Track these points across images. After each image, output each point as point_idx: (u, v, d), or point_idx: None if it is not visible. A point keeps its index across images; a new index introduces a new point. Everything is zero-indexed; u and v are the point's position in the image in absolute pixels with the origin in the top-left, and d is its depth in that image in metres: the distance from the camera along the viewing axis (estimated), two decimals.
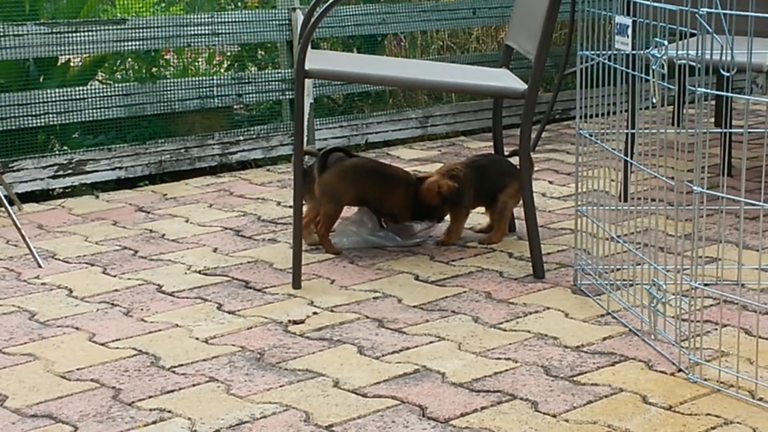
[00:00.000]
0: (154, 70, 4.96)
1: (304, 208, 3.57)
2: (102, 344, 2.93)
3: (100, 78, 5.00)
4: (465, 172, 3.71)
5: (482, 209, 3.81)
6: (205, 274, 3.48)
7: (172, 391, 2.63)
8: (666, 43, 2.72)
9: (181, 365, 2.78)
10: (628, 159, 3.50)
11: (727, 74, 2.51)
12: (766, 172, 4.43)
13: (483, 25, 5.91)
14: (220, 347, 2.89)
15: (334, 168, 3.61)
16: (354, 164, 3.67)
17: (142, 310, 3.18)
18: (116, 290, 3.35)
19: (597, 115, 3.18)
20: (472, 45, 6.02)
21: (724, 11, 2.51)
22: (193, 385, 2.66)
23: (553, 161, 4.97)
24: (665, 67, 2.72)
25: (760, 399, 2.52)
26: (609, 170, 3.77)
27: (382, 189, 3.66)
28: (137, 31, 4.68)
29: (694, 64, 2.63)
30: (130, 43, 4.70)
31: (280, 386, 2.65)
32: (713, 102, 5.04)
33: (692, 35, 2.64)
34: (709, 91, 2.60)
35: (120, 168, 4.66)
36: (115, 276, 3.48)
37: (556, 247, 3.69)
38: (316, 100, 5.19)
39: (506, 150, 3.88)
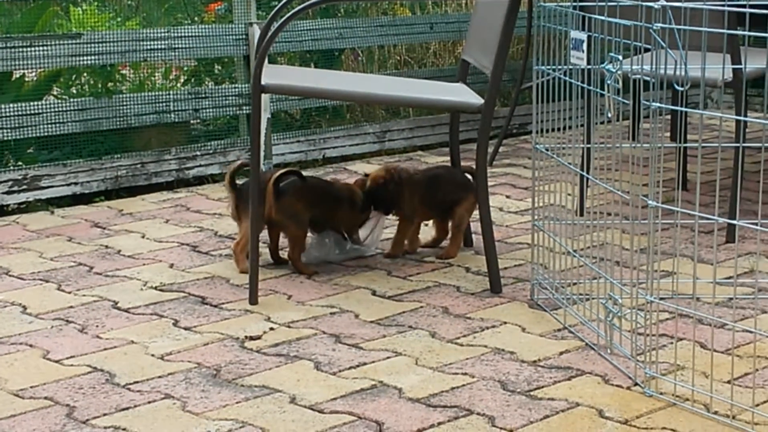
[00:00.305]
0: (110, 84, 4.93)
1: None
2: (56, 362, 2.90)
3: (55, 93, 4.97)
4: (414, 176, 3.72)
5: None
6: (161, 290, 3.46)
7: (127, 408, 2.61)
8: (621, 58, 2.73)
9: (137, 382, 2.76)
10: (584, 173, 3.51)
11: (681, 89, 2.53)
12: (721, 186, 4.46)
13: (440, 39, 5.93)
14: (176, 364, 2.87)
15: (291, 190, 3.58)
16: (309, 185, 3.65)
17: (97, 326, 3.15)
18: (71, 307, 3.32)
19: (553, 130, 3.19)
20: (430, 60, 6.03)
21: (678, 26, 2.53)
22: (149, 402, 2.64)
23: (510, 176, 4.99)
24: (620, 82, 2.74)
25: (716, 412, 2.53)
26: (565, 185, 3.78)
27: (333, 208, 3.66)
28: (93, 45, 4.65)
29: (648, 78, 2.65)
30: (85, 58, 4.67)
31: (237, 403, 2.63)
32: (669, 117, 5.08)
33: (647, 50, 2.66)
34: (663, 105, 2.61)
35: (75, 183, 4.63)
36: (70, 292, 3.45)
37: (513, 262, 3.69)
38: (273, 115, 5.18)
39: (463, 165, 3.89)
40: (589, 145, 4.02)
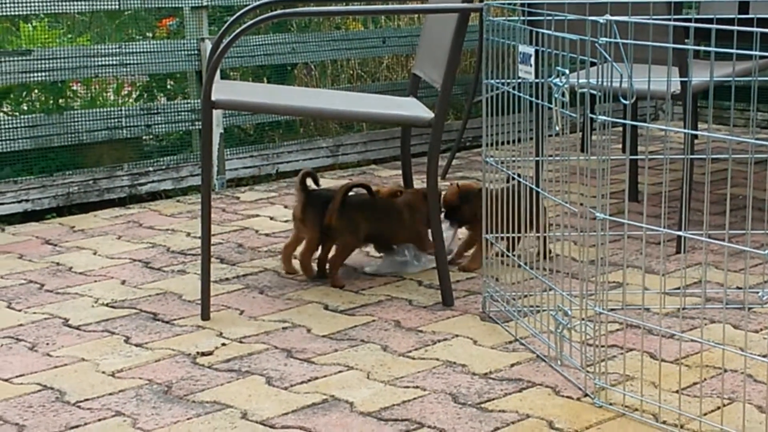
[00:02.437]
0: (61, 101, 4.91)
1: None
2: (6, 380, 2.88)
3: (5, 109, 4.94)
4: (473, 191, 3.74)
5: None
6: (112, 307, 3.44)
7: (77, 426, 2.60)
8: (567, 71, 2.75)
9: (87, 400, 2.75)
10: (533, 186, 3.53)
11: (626, 102, 2.55)
12: (671, 197, 4.50)
13: (393, 53, 5.95)
14: (126, 381, 2.86)
15: (356, 202, 3.60)
16: (375, 201, 3.67)
17: (47, 344, 3.14)
18: (21, 325, 3.30)
19: (505, 143, 3.21)
20: (383, 74, 6.05)
21: (624, 41, 2.56)
22: (99, 420, 2.63)
23: None
24: (567, 96, 2.76)
25: (664, 422, 2.55)
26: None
27: (396, 225, 3.68)
28: (43, 61, 4.63)
29: (595, 92, 2.67)
30: (36, 74, 4.65)
31: (188, 419, 2.63)
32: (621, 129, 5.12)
33: (594, 64, 2.68)
34: (609, 119, 2.64)
35: (26, 200, 4.60)
36: (20, 310, 3.42)
37: (465, 275, 3.71)
38: (226, 130, 5.17)
39: (415, 179, 3.90)
40: (539, 158, 4.05)
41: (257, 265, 3.85)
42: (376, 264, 3.78)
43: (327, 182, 5.18)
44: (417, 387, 2.79)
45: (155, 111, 4.99)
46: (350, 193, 3.59)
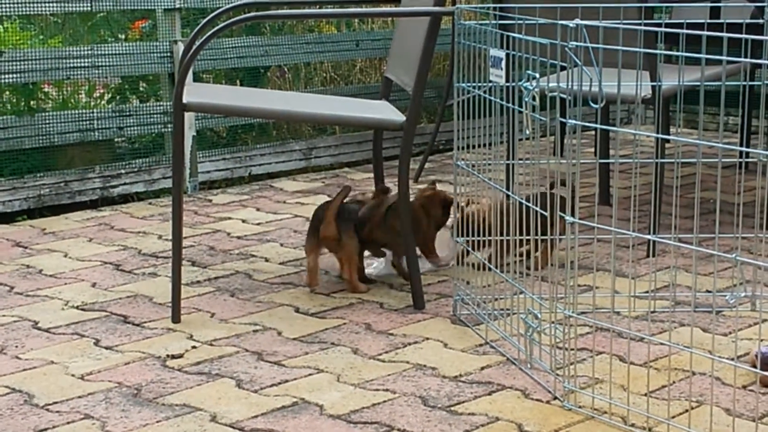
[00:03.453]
0: (32, 102, 4.89)
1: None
2: None
3: None
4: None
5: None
6: (82, 310, 3.43)
7: (46, 429, 2.59)
8: (538, 75, 2.76)
9: (56, 402, 2.73)
10: (504, 190, 3.54)
11: (596, 106, 2.56)
12: (642, 201, 4.52)
13: (366, 57, 5.95)
14: (96, 383, 2.85)
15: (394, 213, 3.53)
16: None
17: (16, 347, 3.12)
18: None
19: (477, 146, 3.21)
20: (356, 77, 6.05)
21: (593, 45, 2.57)
22: (67, 423, 2.62)
23: None
24: (537, 99, 2.77)
25: (632, 425, 2.56)
26: (488, 200, 3.81)
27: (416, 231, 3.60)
28: (14, 63, 4.61)
29: (565, 96, 2.68)
30: (7, 76, 4.63)
31: (157, 422, 2.62)
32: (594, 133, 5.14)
33: (564, 68, 2.69)
34: (579, 123, 2.65)
35: None
36: None
37: (436, 278, 3.71)
38: (198, 132, 5.16)
39: (387, 182, 3.90)
40: (510, 162, 4.07)
41: (228, 268, 3.85)
42: (380, 266, 3.75)
43: (299, 185, 5.18)
44: (387, 390, 2.79)
45: (127, 113, 4.98)
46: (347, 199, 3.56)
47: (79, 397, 2.77)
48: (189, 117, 4.98)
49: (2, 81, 4.66)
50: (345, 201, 3.56)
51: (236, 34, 5.44)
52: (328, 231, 3.47)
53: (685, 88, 3.00)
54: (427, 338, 3.16)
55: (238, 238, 4.26)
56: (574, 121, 2.65)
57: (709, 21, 3.08)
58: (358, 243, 3.53)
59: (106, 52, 4.89)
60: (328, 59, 5.80)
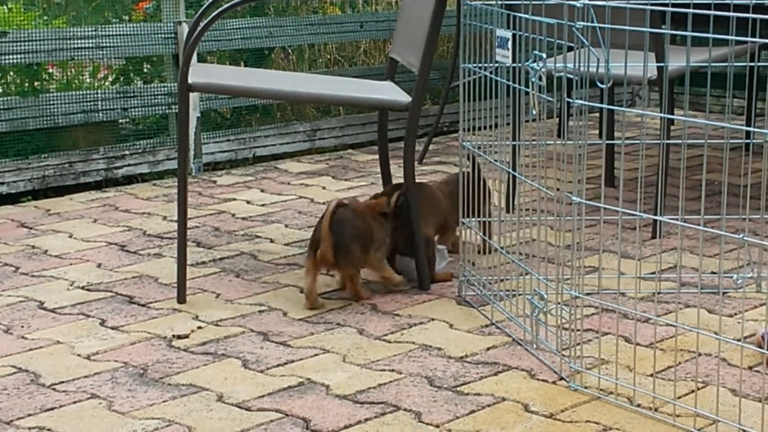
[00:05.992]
0: (36, 83, 4.88)
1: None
2: None
3: None
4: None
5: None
6: (88, 290, 3.43)
7: (52, 408, 2.59)
8: (545, 56, 2.76)
9: (62, 382, 2.74)
10: (510, 171, 3.54)
11: (603, 86, 2.56)
12: (647, 182, 4.51)
13: (370, 38, 5.94)
14: (102, 363, 2.86)
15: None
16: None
17: (22, 327, 3.13)
18: None
19: (482, 128, 3.21)
20: (360, 58, 6.04)
21: (600, 25, 2.56)
22: (74, 402, 2.62)
23: (440, 173, 5.00)
24: (543, 80, 2.76)
25: (638, 405, 2.57)
26: (494, 182, 3.81)
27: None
28: (19, 44, 4.61)
29: (572, 76, 2.68)
30: (11, 57, 4.62)
31: (164, 401, 2.62)
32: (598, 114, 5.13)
33: (571, 49, 2.69)
34: (586, 103, 2.64)
35: (2, 183, 4.58)
36: None
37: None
38: (203, 113, 5.16)
39: (392, 164, 3.90)
40: (516, 143, 4.06)
41: (233, 249, 3.85)
42: (441, 261, 3.60)
43: (304, 166, 5.18)
44: (393, 370, 2.80)
45: (131, 94, 4.97)
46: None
47: (86, 376, 2.77)
48: (193, 98, 4.97)
49: (6, 62, 4.65)
50: (343, 206, 3.32)
51: (240, 15, 5.43)
52: (324, 255, 3.24)
53: (691, 69, 3.00)
54: (433, 319, 3.16)
55: (243, 219, 4.26)
56: (581, 102, 2.64)
57: (716, 2, 3.07)
58: (357, 258, 3.31)
59: (110, 33, 4.88)
60: (333, 41, 5.79)
